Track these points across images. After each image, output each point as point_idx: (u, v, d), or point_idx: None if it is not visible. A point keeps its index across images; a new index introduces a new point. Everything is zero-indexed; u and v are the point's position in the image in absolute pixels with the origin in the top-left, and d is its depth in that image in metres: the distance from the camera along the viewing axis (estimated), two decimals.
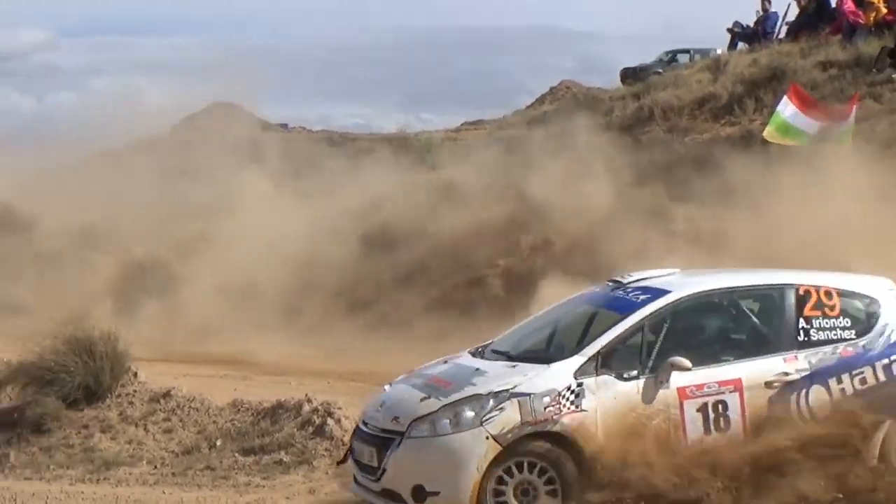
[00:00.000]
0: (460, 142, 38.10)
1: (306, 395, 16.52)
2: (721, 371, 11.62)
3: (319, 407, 15.93)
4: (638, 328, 11.74)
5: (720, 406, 11.50)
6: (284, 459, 15.02)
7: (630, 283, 12.49)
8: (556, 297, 13.96)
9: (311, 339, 24.63)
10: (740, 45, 37.23)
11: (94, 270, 29.46)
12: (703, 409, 11.47)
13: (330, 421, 15.55)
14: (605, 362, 11.49)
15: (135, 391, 17.80)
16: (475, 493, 11.03)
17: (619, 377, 11.44)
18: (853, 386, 11.74)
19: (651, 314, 11.82)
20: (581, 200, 26.15)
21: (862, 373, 11.79)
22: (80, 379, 17.54)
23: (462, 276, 26.92)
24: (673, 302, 11.91)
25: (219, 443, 15.91)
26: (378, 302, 27.12)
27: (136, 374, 18.17)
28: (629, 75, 44.73)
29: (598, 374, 11.42)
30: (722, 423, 11.47)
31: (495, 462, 11.10)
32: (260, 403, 16.78)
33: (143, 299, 26.80)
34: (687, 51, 47.34)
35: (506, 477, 11.13)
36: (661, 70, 43.44)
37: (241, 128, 39.07)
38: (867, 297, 12.26)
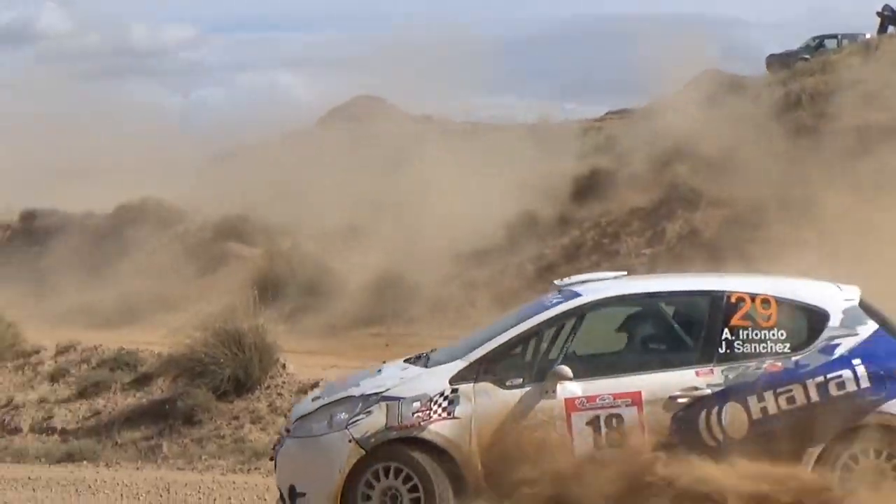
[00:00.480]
0: (604, 131, 37.81)
1: None
2: (619, 383, 10.58)
3: None
4: (531, 334, 10.92)
5: (614, 420, 10.49)
6: None
7: (564, 286, 11.51)
8: None
9: (459, 329, 24.66)
10: (891, 28, 36.30)
11: (242, 263, 29.87)
12: (593, 422, 10.48)
13: None
14: (489, 369, 10.72)
15: (283, 382, 17.98)
16: (337, 497, 10.52)
17: (501, 385, 10.63)
18: (777, 405, 10.45)
19: (546, 320, 10.97)
20: (728, 188, 25.77)
21: (790, 391, 10.48)
22: (230, 371, 17.77)
23: (608, 265, 26.71)
24: (575, 308, 11.00)
25: None
26: (524, 292, 27.01)
27: (284, 366, 18.37)
28: (775, 62, 44.01)
29: (476, 381, 10.67)
30: (616, 439, 10.45)
31: (361, 466, 10.55)
32: None
33: (292, 291, 27.05)
34: (834, 36, 46.32)
35: (373, 481, 10.54)
36: (807, 56, 42.65)
37: (386, 120, 39.26)
38: (814, 308, 10.88)
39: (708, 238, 25.51)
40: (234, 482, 14.81)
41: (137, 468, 15.92)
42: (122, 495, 14.40)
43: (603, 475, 10.14)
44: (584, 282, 11.41)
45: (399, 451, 10.55)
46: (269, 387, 17.92)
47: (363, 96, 45.70)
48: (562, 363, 10.50)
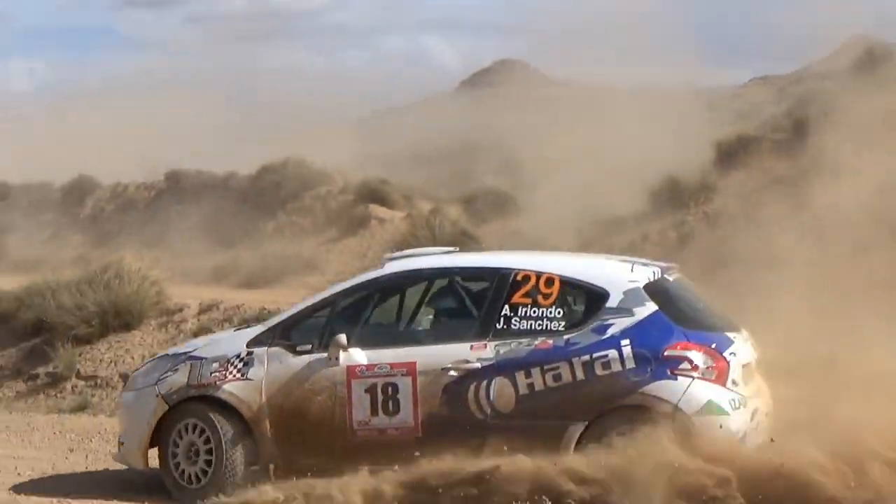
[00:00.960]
0: (749, 97, 37.18)
1: None
2: (398, 353, 11.03)
3: None
4: (326, 304, 11.52)
5: (390, 388, 10.96)
6: None
7: (392, 258, 12.08)
8: None
9: None
10: None
11: (383, 226, 30.01)
12: (371, 389, 10.99)
13: None
14: (285, 335, 11.37)
15: None
16: (146, 448, 11.45)
17: (293, 350, 11.27)
18: (543, 382, 10.66)
19: (342, 291, 11.63)
20: (875, 157, 25.14)
21: (554, 368, 10.66)
22: None
23: (750, 234, 26.29)
24: (368, 281, 11.67)
25: None
26: (665, 259, 26.66)
27: None
28: None
29: (270, 346, 11.33)
30: (391, 407, 10.93)
31: (168, 420, 11.39)
32: None
33: None
34: None
35: (179, 438, 11.35)
36: None
37: (527, 84, 39.10)
38: (594, 287, 11.02)
39: (855, 207, 24.94)
40: None
41: None
42: None
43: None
44: (410, 255, 12.02)
45: (197, 408, 11.34)
46: None
47: (505, 60, 45.60)
48: (359, 332, 11.14)
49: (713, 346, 10.70)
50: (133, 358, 19.95)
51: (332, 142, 39.27)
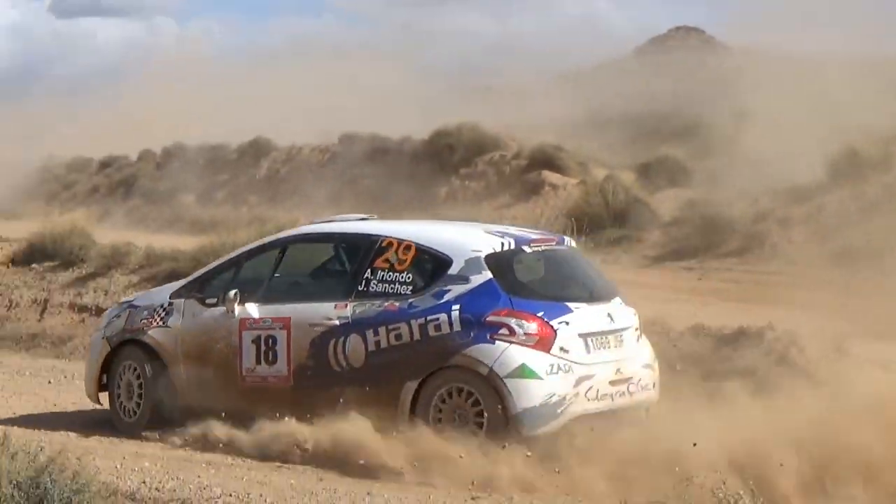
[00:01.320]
0: None
1: (769, 322, 16.07)
2: (280, 309, 12.18)
3: (782, 335, 15.45)
4: (232, 263, 12.98)
5: (270, 340, 12.15)
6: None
7: (315, 222, 13.52)
8: None
9: (774, 265, 24.07)
10: None
11: (556, 192, 29.86)
12: (257, 340, 12.21)
13: (793, 350, 15.06)
14: (200, 289, 12.84)
15: None
16: (96, 384, 13.25)
17: (203, 303, 12.70)
18: (388, 341, 11.57)
19: (245, 252, 13.10)
20: None
21: (397, 328, 11.54)
22: None
23: None
24: (266, 243, 13.12)
25: (679, 367, 15.72)
26: (844, 229, 26.05)
27: None
28: None
29: (187, 298, 12.84)
30: (270, 357, 12.14)
31: (110, 360, 13.21)
32: (721, 329, 16.46)
33: (606, 222, 26.89)
34: None
35: (120, 376, 13.10)
36: None
37: (704, 51, 38.50)
38: (441, 255, 11.77)
39: None
40: None
41: None
42: None
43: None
44: (329, 221, 13.35)
45: (132, 350, 13.05)
46: None
47: (681, 27, 44.95)
48: (255, 289, 12.44)
49: (540, 314, 11.28)
50: None
51: (506, 107, 39.16)
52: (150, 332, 12.95)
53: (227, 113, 53.18)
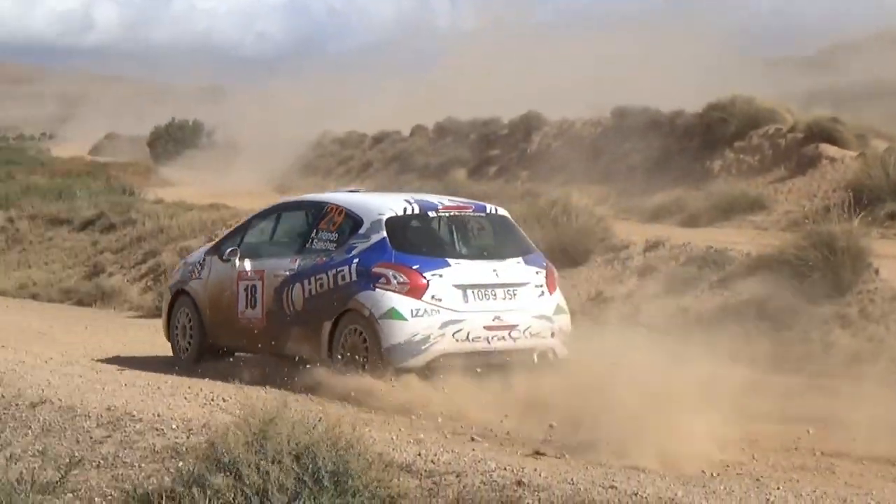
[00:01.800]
0: None
1: None
2: (261, 263, 14.98)
3: None
4: (242, 226, 16.13)
5: (253, 289, 14.95)
6: None
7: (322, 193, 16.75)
8: None
9: None
10: None
11: (833, 166, 28.94)
12: (247, 289, 15.02)
13: None
14: (219, 248, 15.70)
15: (876, 288, 17.31)
16: (167, 324, 16.31)
17: (221, 259, 15.44)
18: (316, 288, 14.13)
19: (251, 218, 16.31)
20: None
21: (321, 278, 14.10)
22: (820, 274, 17.30)
23: None
24: (266, 209, 16.24)
25: None
26: None
27: (877, 271, 17.66)
28: None
29: (212, 255, 15.73)
30: (253, 302, 14.97)
31: (174, 304, 16.18)
32: None
33: (887, 195, 25.87)
34: None
35: (180, 317, 16.03)
36: None
37: None
38: (356, 217, 14.21)
39: None
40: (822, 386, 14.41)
41: None
42: None
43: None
44: (321, 193, 16.46)
45: (184, 298, 15.99)
46: (860, 292, 17.31)
47: None
48: (252, 247, 15.32)
49: (415, 267, 13.56)
50: (579, 294, 20.07)
51: (779, 78, 38.21)
52: (191, 283, 15.99)
53: (499, 87, 53.47)
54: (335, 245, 14.20)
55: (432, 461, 10.34)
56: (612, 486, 9.62)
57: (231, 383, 13.77)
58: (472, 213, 14.56)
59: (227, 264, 15.29)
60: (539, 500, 9.35)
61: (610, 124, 39.78)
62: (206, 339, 15.60)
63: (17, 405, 12.43)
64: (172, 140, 74.10)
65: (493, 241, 14.45)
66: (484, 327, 13.54)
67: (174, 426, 11.32)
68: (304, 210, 15.34)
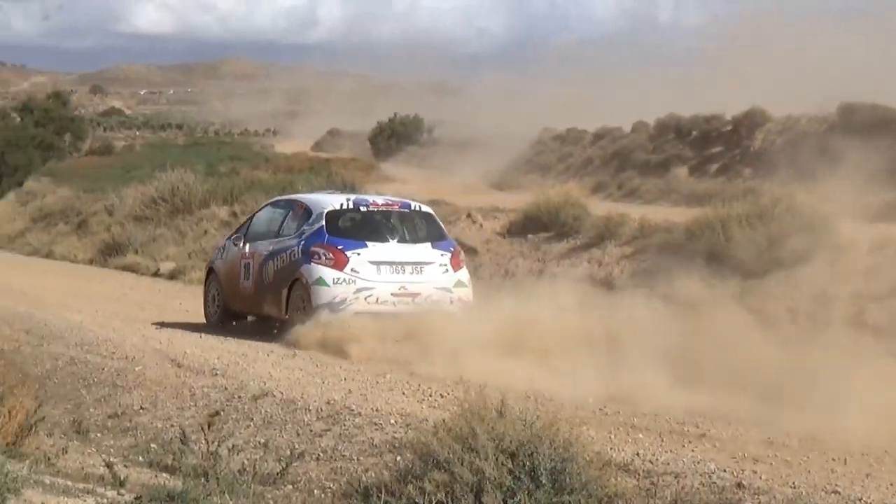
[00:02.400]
0: None
1: None
2: (253, 246, 18.79)
3: None
4: (250, 218, 20.28)
5: (248, 265, 18.69)
6: None
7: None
8: None
9: None
10: None
11: None
12: (245, 266, 18.75)
13: None
14: (236, 235, 19.62)
15: None
16: (205, 296, 20.08)
17: (234, 244, 19.33)
18: (280, 263, 17.92)
19: (255, 211, 20.92)
20: None
21: (283, 256, 17.89)
22: None
23: None
24: (261, 206, 20.92)
25: None
26: None
27: None
28: None
29: (229, 241, 19.76)
30: (248, 276, 18.68)
31: (208, 279, 20.23)
32: None
33: None
34: None
35: (209, 290, 20.04)
36: None
37: None
38: (309, 210, 18.13)
39: None
40: None
41: None
42: None
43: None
44: (307, 194, 20.85)
45: (213, 275, 19.93)
46: None
47: None
48: (252, 234, 19.16)
49: (339, 247, 17.30)
50: (802, 293, 19.54)
51: None
52: (216, 262, 20.04)
53: (722, 82, 52.65)
54: (294, 231, 18.09)
55: (650, 461, 10.19)
56: (835, 491, 9.35)
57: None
58: (397, 209, 18.34)
59: (236, 247, 19.20)
60: (759, 503, 9.13)
61: (836, 121, 38.74)
62: (222, 305, 19.50)
63: (239, 397, 12.73)
64: (394, 136, 75.11)
65: (412, 230, 18.07)
66: (391, 294, 17.21)
67: (392, 421, 11.42)
68: (284, 205, 19.38)
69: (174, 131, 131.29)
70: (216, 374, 14.02)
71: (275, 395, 12.62)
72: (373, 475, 9.54)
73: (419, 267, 17.37)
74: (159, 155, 64.39)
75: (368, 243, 17.31)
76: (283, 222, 18.45)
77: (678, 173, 44.65)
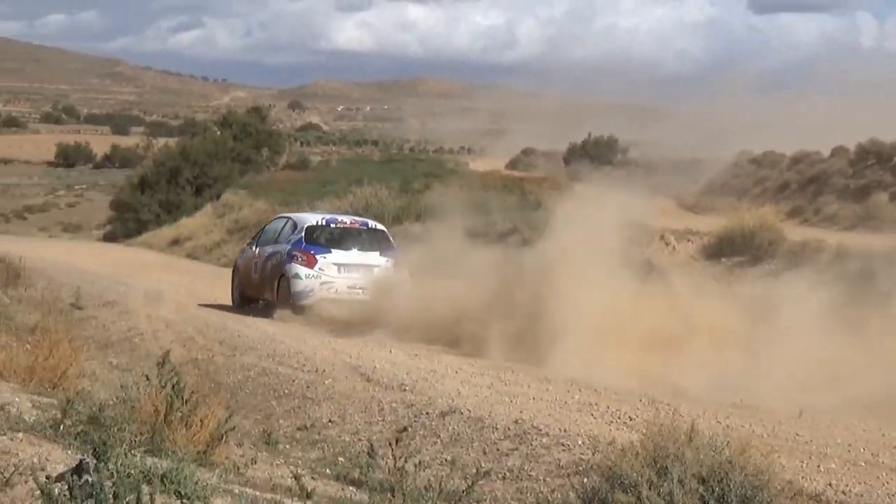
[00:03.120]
0: None
1: None
2: (261, 249, 24.36)
3: None
4: (262, 229, 25.95)
5: (257, 264, 24.22)
6: None
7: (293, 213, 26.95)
8: None
9: None
10: None
11: None
12: (255, 263, 24.35)
13: None
14: (252, 242, 25.59)
15: None
16: (232, 285, 25.98)
17: (251, 246, 25.27)
18: (274, 262, 23.49)
19: (265, 225, 26.45)
20: None
21: (277, 257, 23.46)
22: None
23: None
24: (269, 220, 27.71)
25: None
26: None
27: None
28: None
29: (248, 246, 25.71)
30: (256, 270, 24.24)
31: (234, 274, 26.14)
32: None
33: None
34: None
35: (233, 281, 26.00)
36: None
37: None
38: (296, 225, 23.97)
39: None
40: None
41: None
42: None
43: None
44: (298, 213, 26.72)
45: (236, 270, 25.92)
46: None
47: None
48: (262, 240, 24.73)
49: (311, 252, 22.74)
50: None
51: None
52: (238, 261, 25.86)
53: None
54: (286, 240, 23.65)
55: (843, 492, 9.88)
56: None
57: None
58: (357, 227, 24.12)
59: (251, 250, 24.98)
60: None
61: None
62: (243, 293, 24.92)
63: (427, 413, 12.73)
64: (588, 156, 74.86)
65: (367, 242, 23.44)
66: (347, 287, 22.56)
67: (580, 442, 11.30)
68: (283, 220, 25.06)
69: (370, 147, 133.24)
70: (405, 390, 14.07)
71: (462, 413, 12.60)
72: (559, 496, 9.44)
73: (370, 268, 22.80)
74: (354, 170, 65.22)
75: (333, 250, 23.03)
76: (280, 232, 24.25)
77: (878, 199, 43.46)
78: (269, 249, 23.88)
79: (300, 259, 22.69)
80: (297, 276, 22.59)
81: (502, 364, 16.70)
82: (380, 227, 24.47)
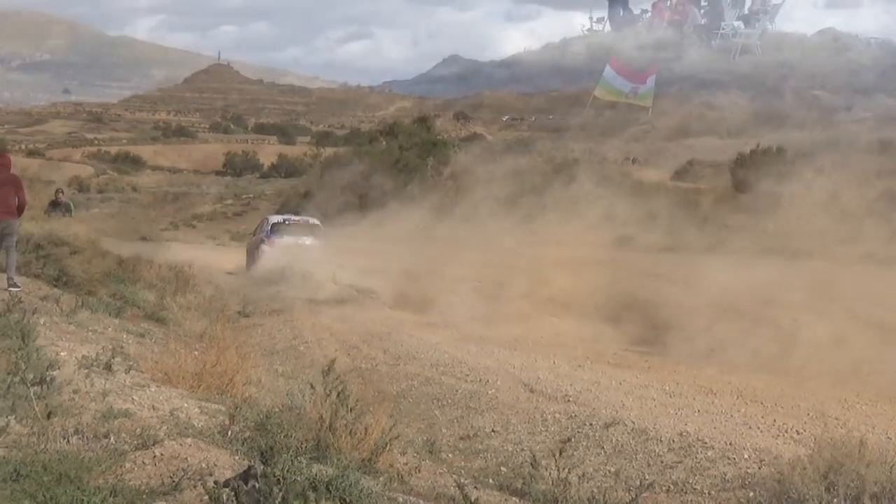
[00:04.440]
0: None
1: None
2: (257, 237, 36.18)
3: None
4: (257, 226, 40.02)
5: (251, 245, 37.03)
6: None
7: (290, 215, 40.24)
8: None
9: None
10: None
11: None
12: (251, 244, 37.22)
13: None
14: (254, 231, 40.12)
15: None
16: (247, 262, 37.14)
17: (253, 235, 38.15)
18: (258, 244, 34.71)
19: (261, 222, 39.50)
20: None
21: (257, 241, 35.31)
22: None
23: None
24: (264, 219, 39.37)
25: None
26: None
27: None
28: None
29: (253, 234, 39.19)
30: (250, 249, 36.88)
31: (246, 252, 38.62)
32: None
33: None
34: None
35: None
36: None
37: None
38: (268, 221, 36.19)
39: None
40: None
41: None
42: None
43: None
44: (293, 214, 42.14)
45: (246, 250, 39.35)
46: None
47: None
48: (267, 232, 35.30)
49: (273, 238, 34.07)
50: None
51: None
52: (247, 244, 37.73)
53: None
54: (263, 231, 34.83)
55: None
56: None
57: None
58: (300, 221, 36.04)
59: (253, 236, 36.56)
60: None
61: None
62: (247, 265, 34.69)
63: (590, 424, 12.65)
64: (754, 167, 73.64)
65: (305, 231, 34.45)
66: (287, 256, 31.13)
67: (746, 456, 11.11)
68: (265, 220, 36.51)
69: (534, 158, 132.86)
70: (568, 401, 14.01)
71: (626, 424, 12.50)
72: None
73: (304, 247, 32.88)
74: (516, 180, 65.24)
75: (284, 237, 33.86)
76: (265, 227, 35.23)
77: None
78: (262, 237, 34.95)
79: (267, 242, 34.06)
80: (262, 251, 33.67)
81: (667, 377, 16.52)
82: (314, 221, 37.05)
